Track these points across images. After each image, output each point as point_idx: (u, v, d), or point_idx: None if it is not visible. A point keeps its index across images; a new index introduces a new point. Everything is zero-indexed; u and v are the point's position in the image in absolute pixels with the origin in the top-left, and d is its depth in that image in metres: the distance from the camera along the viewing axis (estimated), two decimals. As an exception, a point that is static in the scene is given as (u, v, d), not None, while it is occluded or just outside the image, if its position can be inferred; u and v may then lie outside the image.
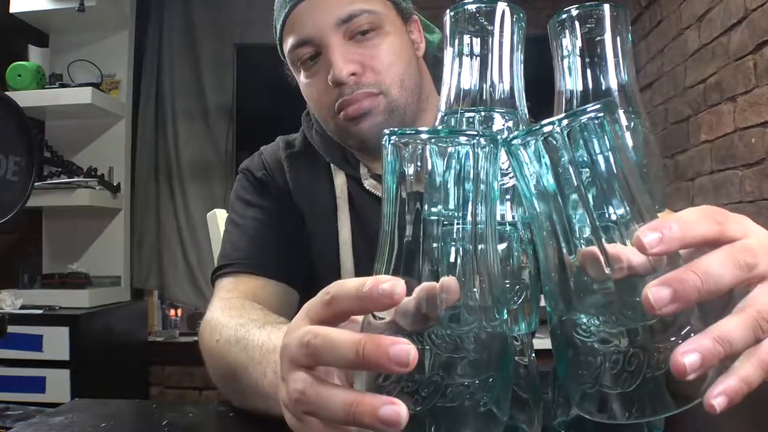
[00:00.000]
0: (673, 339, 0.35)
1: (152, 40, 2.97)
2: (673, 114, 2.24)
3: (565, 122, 0.36)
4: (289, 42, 0.82)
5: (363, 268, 0.86)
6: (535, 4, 2.94)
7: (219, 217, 1.09)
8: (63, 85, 2.53)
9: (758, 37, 1.68)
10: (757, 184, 1.71)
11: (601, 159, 0.36)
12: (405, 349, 0.32)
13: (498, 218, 0.48)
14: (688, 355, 0.32)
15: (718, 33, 1.90)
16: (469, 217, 0.37)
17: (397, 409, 0.33)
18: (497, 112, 0.49)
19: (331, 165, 0.91)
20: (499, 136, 0.39)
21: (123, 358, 2.57)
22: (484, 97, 0.49)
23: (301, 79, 0.85)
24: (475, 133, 0.37)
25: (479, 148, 0.37)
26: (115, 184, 2.67)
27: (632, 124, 0.50)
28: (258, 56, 2.80)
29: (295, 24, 0.81)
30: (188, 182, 2.92)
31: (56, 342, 2.19)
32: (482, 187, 0.37)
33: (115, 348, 2.52)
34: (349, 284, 0.36)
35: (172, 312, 3.01)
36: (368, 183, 0.89)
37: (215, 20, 2.96)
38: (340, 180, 0.90)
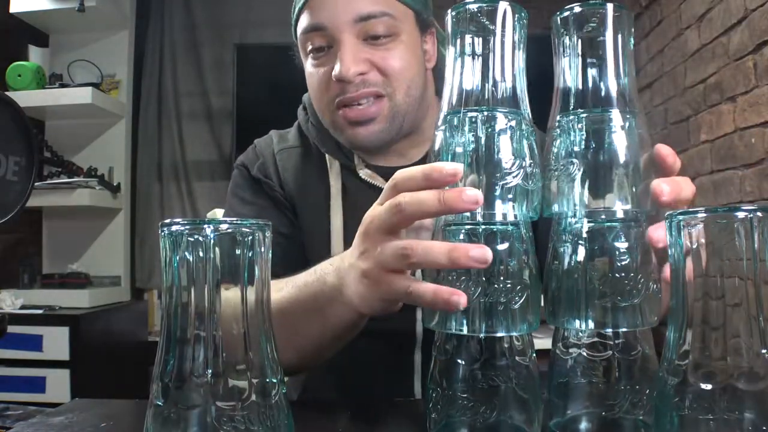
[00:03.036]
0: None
1: (152, 40, 2.97)
2: (673, 114, 2.24)
3: None
4: (303, 23, 0.81)
5: None
6: (537, 3, 2.94)
7: (219, 216, 1.09)
8: (63, 85, 2.53)
9: (758, 37, 1.68)
10: (757, 184, 1.71)
11: None
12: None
13: (500, 218, 0.48)
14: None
15: (718, 33, 1.89)
16: None
17: (483, 251, 0.44)
18: (500, 111, 0.48)
19: (326, 156, 0.91)
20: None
21: (123, 358, 2.56)
22: (487, 97, 0.49)
23: (307, 65, 0.85)
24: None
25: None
26: (115, 184, 2.67)
27: (628, 124, 0.50)
28: (258, 56, 2.80)
29: (315, 7, 0.80)
30: (194, 181, 2.93)
31: (56, 342, 2.19)
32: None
33: (115, 348, 2.52)
34: (413, 172, 0.48)
35: (173, 312, 3.01)
36: (363, 173, 0.89)
37: (215, 20, 2.96)
38: (334, 170, 0.90)
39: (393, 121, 0.82)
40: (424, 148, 0.90)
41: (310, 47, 0.82)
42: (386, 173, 0.89)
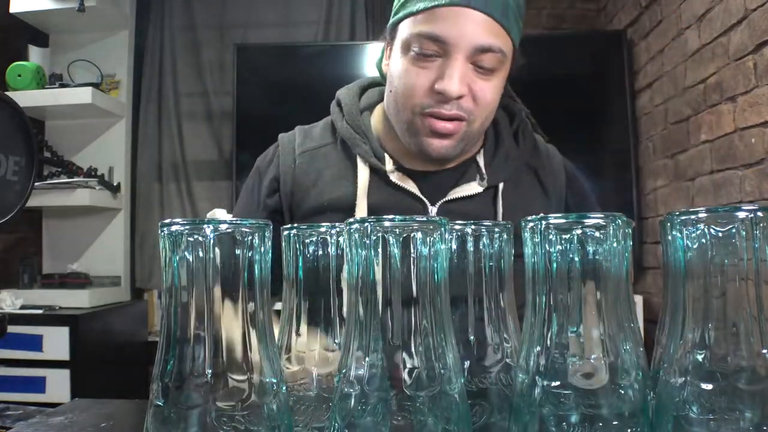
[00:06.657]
0: None
1: (152, 40, 2.97)
2: (673, 114, 2.24)
3: None
4: (424, 27, 0.82)
5: None
6: (535, 4, 2.94)
7: (219, 217, 1.09)
8: (63, 85, 2.53)
9: (758, 37, 1.68)
10: (757, 184, 1.71)
11: None
12: None
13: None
14: None
15: (718, 33, 1.89)
16: None
17: None
18: None
19: (358, 158, 0.92)
20: None
21: (123, 358, 2.56)
22: None
23: (404, 61, 0.85)
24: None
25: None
26: (115, 184, 2.67)
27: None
28: (258, 56, 2.80)
29: (443, 20, 0.81)
30: (194, 182, 2.93)
31: (56, 342, 2.19)
32: None
33: (115, 348, 2.52)
34: None
35: (172, 312, 3.01)
36: (395, 176, 0.90)
37: (215, 20, 2.96)
38: (364, 172, 0.91)
39: (462, 141, 0.86)
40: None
41: (417, 49, 0.83)
42: (417, 177, 0.91)
